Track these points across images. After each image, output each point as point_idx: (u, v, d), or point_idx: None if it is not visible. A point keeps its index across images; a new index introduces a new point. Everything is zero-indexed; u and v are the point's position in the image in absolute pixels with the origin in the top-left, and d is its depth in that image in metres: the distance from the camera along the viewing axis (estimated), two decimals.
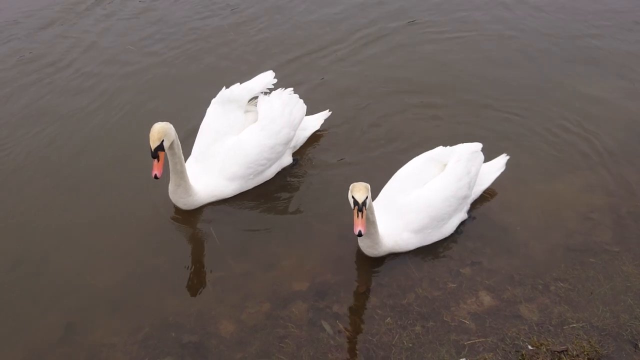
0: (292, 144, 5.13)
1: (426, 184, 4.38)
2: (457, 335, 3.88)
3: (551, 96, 5.95)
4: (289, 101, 4.99)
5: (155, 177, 4.09)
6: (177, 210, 4.73)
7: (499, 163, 4.83)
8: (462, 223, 4.59)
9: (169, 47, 6.79)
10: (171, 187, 4.54)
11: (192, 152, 4.86)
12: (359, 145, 5.42)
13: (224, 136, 4.81)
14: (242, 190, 4.84)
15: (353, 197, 3.74)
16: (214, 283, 4.24)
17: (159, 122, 4.14)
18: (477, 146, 4.57)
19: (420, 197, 4.29)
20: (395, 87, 6.12)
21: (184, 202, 4.61)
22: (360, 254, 4.39)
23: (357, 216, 3.73)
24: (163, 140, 4.07)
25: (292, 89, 5.13)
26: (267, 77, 5.13)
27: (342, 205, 4.34)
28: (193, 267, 4.37)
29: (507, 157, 4.85)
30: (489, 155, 4.80)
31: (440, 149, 4.55)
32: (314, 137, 5.44)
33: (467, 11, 7.30)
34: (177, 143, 4.27)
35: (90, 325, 3.99)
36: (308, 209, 4.80)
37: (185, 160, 4.52)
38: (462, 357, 3.74)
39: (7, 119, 5.76)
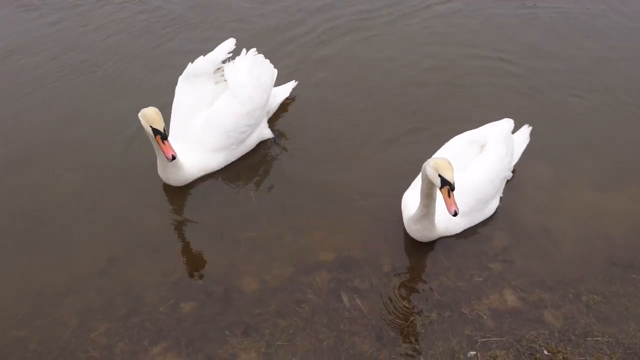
0: (266, 109, 5.12)
1: (467, 166, 4.34)
2: (472, 330, 3.84)
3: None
4: (254, 63, 4.96)
5: (173, 157, 4.19)
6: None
7: (523, 135, 4.72)
8: (507, 213, 4.51)
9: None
10: (160, 167, 4.59)
11: (170, 133, 4.77)
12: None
13: (199, 110, 4.81)
14: (228, 162, 4.89)
15: (441, 176, 3.68)
16: (245, 241, 4.43)
17: (147, 108, 4.18)
18: (510, 123, 4.52)
19: (467, 181, 4.25)
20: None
21: (176, 178, 4.64)
22: (389, 234, 4.42)
23: (449, 196, 3.70)
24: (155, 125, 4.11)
25: (254, 49, 5.09)
26: (228, 45, 5.05)
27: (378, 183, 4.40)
28: (229, 224, 4.56)
29: (530, 128, 4.76)
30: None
31: (475, 131, 4.52)
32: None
33: None
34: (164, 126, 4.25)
35: (130, 262, 4.31)
36: (343, 183, 4.83)
37: None
38: (472, 351, 3.71)
39: None
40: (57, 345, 3.79)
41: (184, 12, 7.07)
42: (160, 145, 4.23)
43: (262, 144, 5.17)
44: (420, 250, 4.35)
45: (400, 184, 4.52)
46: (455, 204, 3.70)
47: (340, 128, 5.39)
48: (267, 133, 5.16)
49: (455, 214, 3.70)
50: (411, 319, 3.90)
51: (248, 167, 5.01)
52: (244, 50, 5.12)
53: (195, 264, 4.32)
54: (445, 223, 4.24)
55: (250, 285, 4.14)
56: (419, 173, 4.09)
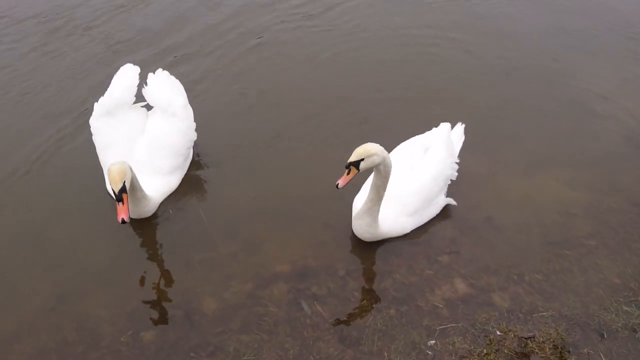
0: None
1: (413, 168, 4.56)
2: (429, 320, 4.02)
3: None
4: (170, 79, 5.06)
5: (123, 221, 3.92)
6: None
7: (457, 133, 5.01)
8: (448, 208, 4.74)
9: None
10: (130, 207, 4.25)
11: (105, 168, 4.67)
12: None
13: (134, 139, 4.77)
14: (181, 178, 4.96)
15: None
16: (200, 262, 4.42)
17: (115, 163, 4.07)
18: (448, 126, 4.80)
19: (412, 181, 4.48)
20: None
21: (148, 210, 4.62)
22: (340, 240, 4.55)
23: (345, 173, 3.95)
24: (125, 181, 4.00)
25: (160, 68, 5.15)
26: (131, 70, 5.03)
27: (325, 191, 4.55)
28: (181, 247, 4.54)
29: (463, 125, 5.04)
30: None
31: (421, 136, 4.79)
32: None
33: None
34: (134, 176, 4.21)
35: (81, 297, 4.19)
36: (293, 193, 4.93)
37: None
38: (431, 340, 3.88)
39: None
40: None
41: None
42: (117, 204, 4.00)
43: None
44: (371, 252, 4.50)
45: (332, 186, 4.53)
46: (343, 180, 3.94)
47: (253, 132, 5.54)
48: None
49: (337, 187, 3.94)
50: (371, 317, 4.04)
51: (186, 188, 5.00)
52: (150, 73, 5.08)
53: (149, 290, 4.26)
54: (390, 222, 4.42)
55: (210, 305, 4.14)
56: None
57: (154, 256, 4.50)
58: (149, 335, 3.94)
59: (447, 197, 4.73)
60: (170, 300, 4.16)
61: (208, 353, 3.83)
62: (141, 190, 4.45)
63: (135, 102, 5.00)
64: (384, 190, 4.15)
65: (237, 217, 4.77)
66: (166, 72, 5.15)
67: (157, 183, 4.73)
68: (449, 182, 4.71)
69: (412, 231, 4.58)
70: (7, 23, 7.20)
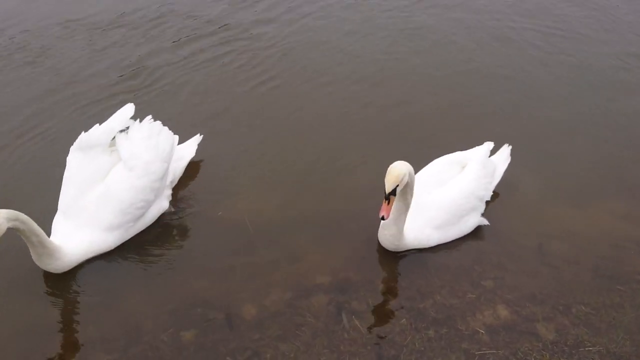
0: (170, 178, 4.82)
1: (446, 182, 4.57)
2: (469, 344, 3.94)
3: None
4: (151, 131, 4.60)
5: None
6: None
7: (503, 155, 4.94)
8: (482, 229, 4.70)
9: None
10: (34, 256, 4.12)
11: (59, 207, 4.41)
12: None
13: (93, 184, 4.40)
14: (123, 241, 4.50)
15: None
16: (242, 267, 4.49)
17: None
18: (489, 145, 4.80)
19: (442, 195, 4.49)
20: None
21: (54, 267, 4.22)
22: (383, 255, 4.53)
23: (385, 203, 3.96)
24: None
25: (150, 116, 4.76)
26: (126, 111, 4.71)
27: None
28: (224, 251, 4.62)
29: (510, 147, 4.97)
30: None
31: (458, 153, 4.78)
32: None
33: None
34: (24, 222, 3.81)
35: (126, 292, 4.32)
36: (339, 208, 4.96)
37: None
38: None
39: None
40: None
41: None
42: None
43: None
44: (413, 271, 4.46)
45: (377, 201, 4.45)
46: (386, 210, 3.99)
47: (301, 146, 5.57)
48: (166, 205, 4.77)
49: (382, 218, 4.01)
50: (409, 337, 3.99)
51: (235, 194, 5.08)
52: (137, 120, 4.71)
53: (192, 291, 4.33)
54: (415, 233, 4.42)
55: (249, 310, 4.18)
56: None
57: (197, 258, 4.58)
58: (189, 335, 4.01)
59: (483, 217, 4.69)
60: (211, 303, 4.23)
61: (245, 358, 3.87)
62: (44, 239, 4.00)
63: None
64: (411, 198, 4.18)
65: (281, 227, 4.82)
66: (155, 123, 4.69)
67: (85, 238, 4.32)
68: (483, 203, 4.66)
69: (455, 253, 4.53)
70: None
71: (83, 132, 4.61)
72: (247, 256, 4.56)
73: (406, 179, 3.97)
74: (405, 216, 4.27)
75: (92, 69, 6.70)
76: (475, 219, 4.64)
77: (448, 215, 4.47)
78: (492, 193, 4.75)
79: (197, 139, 5.31)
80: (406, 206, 4.20)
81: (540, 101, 6.24)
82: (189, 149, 5.22)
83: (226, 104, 6.22)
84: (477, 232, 4.73)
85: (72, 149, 4.57)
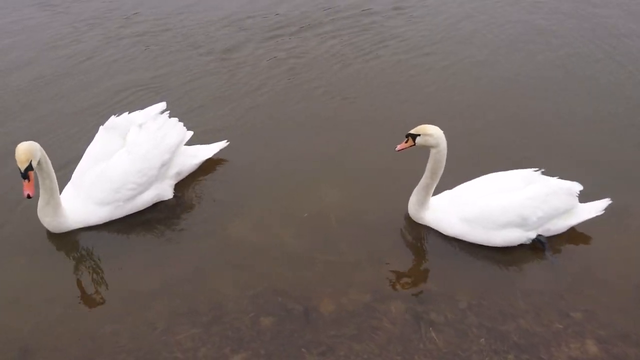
0: (175, 170, 5.09)
1: (499, 189, 4.57)
2: None
3: None
4: (163, 124, 4.99)
5: (28, 196, 4.16)
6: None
7: (599, 206, 4.67)
8: (578, 258, 4.52)
9: None
10: (40, 204, 4.53)
11: (72, 175, 4.90)
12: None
13: (99, 162, 4.82)
14: (112, 218, 4.83)
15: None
16: (325, 265, 4.56)
17: (23, 143, 4.18)
18: (575, 188, 4.58)
19: (485, 194, 4.54)
20: None
21: (49, 222, 4.63)
22: (466, 270, 4.45)
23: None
24: (31, 161, 4.12)
25: (168, 112, 5.12)
26: (156, 107, 5.11)
27: None
28: (308, 245, 4.73)
29: (610, 202, 4.67)
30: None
31: (538, 174, 4.66)
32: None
33: None
34: (46, 159, 4.33)
35: (214, 273, 4.53)
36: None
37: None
38: None
39: None
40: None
41: None
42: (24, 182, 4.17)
43: None
44: (496, 289, 4.34)
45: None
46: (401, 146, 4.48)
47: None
48: (168, 194, 5.07)
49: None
50: (487, 358, 3.88)
51: (323, 193, 5.17)
52: (157, 112, 5.11)
53: (274, 281, 4.46)
54: (438, 214, 4.63)
55: (327, 306, 4.25)
56: None
57: (280, 248, 4.72)
58: (268, 322, 4.14)
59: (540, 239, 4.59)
60: (290, 294, 4.34)
61: (319, 352, 3.93)
62: (55, 190, 4.46)
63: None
64: (437, 176, 4.50)
65: (366, 229, 4.85)
66: (170, 120, 5.09)
67: (80, 207, 4.72)
68: (527, 224, 4.50)
69: (546, 278, 4.36)
70: None
71: (113, 116, 5.04)
72: (329, 253, 4.64)
73: (430, 140, 4.34)
74: (430, 191, 4.59)
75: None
76: (514, 234, 4.52)
77: (478, 213, 4.49)
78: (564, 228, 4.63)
79: (221, 144, 5.50)
80: (432, 180, 4.51)
81: None
82: (208, 150, 5.42)
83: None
84: (572, 259, 4.54)
85: (100, 127, 5.02)
